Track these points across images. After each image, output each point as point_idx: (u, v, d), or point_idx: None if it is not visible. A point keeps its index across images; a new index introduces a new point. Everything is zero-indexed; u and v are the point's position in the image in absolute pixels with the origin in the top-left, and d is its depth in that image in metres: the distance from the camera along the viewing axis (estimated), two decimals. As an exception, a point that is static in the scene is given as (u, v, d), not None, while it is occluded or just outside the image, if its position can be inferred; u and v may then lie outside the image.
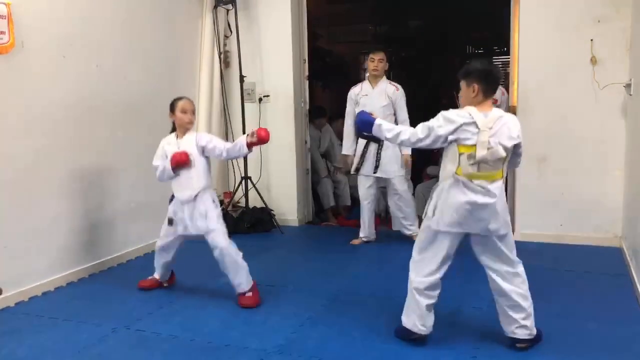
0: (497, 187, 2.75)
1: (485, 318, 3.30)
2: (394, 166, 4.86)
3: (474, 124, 2.69)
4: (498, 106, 5.24)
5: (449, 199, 2.77)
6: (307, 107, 6.05)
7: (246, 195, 5.63)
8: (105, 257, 4.46)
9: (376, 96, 4.84)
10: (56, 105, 4.00)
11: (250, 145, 3.53)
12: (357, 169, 4.97)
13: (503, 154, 2.70)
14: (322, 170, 6.46)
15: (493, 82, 2.79)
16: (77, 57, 4.15)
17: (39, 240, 3.89)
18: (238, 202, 5.81)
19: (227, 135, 5.90)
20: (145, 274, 4.08)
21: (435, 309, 3.01)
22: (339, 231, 5.89)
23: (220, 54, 5.73)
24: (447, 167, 2.79)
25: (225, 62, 5.84)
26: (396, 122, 4.60)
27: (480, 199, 2.72)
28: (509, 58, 5.36)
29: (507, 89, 5.58)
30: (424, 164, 6.62)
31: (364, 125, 2.99)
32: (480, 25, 8.92)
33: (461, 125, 2.70)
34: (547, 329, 3.12)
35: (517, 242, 5.01)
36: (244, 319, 3.42)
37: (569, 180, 4.88)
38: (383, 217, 6.17)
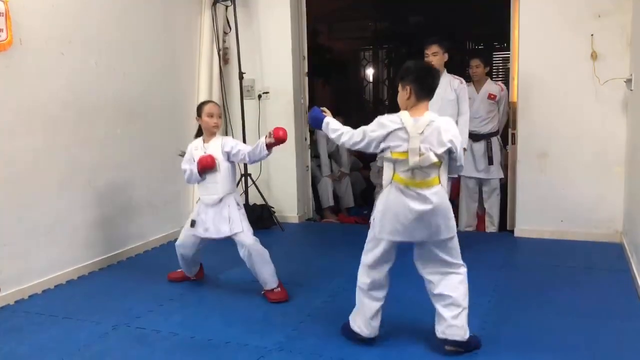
0: (434, 193, 2.68)
1: (485, 314, 3.30)
2: None
3: (404, 129, 2.64)
4: (497, 102, 5.28)
5: (389, 206, 2.74)
6: (307, 103, 6.04)
7: (246, 192, 5.62)
8: (105, 255, 4.46)
9: (442, 91, 4.26)
10: (54, 103, 3.99)
11: (269, 146, 3.55)
12: None
13: (434, 159, 2.62)
14: (325, 170, 6.45)
15: (427, 84, 2.70)
16: (75, 54, 4.14)
17: (38, 238, 3.89)
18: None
19: (226, 132, 5.88)
20: (145, 272, 4.07)
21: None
22: (339, 228, 5.89)
23: (219, 50, 5.71)
24: (386, 173, 2.78)
25: (224, 58, 5.82)
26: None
27: (418, 206, 2.67)
28: (509, 54, 5.34)
29: (506, 85, 5.57)
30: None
31: (314, 122, 3.02)
32: (480, 20, 8.89)
33: (392, 132, 2.66)
34: (548, 325, 3.12)
35: (517, 238, 5.07)
36: (244, 317, 3.41)
37: (570, 176, 4.87)
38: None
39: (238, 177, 4.49)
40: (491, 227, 5.38)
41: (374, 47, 11.10)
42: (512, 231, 5.15)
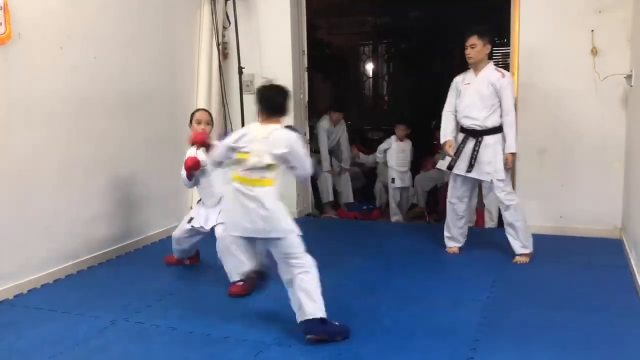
0: (266, 192, 2.96)
1: (485, 309, 3.31)
2: (492, 166, 4.18)
3: (250, 134, 3.02)
4: None
5: (228, 203, 3.10)
6: (307, 98, 6.03)
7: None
8: (104, 250, 4.45)
9: (478, 85, 4.21)
10: (54, 97, 3.98)
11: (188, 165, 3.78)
12: (451, 167, 4.36)
13: (267, 161, 2.95)
14: (324, 165, 6.44)
15: (267, 105, 3.06)
16: (74, 48, 4.13)
17: (37, 232, 3.89)
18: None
19: (226, 126, 5.87)
20: (144, 267, 4.07)
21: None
22: (338, 223, 5.89)
23: (218, 45, 5.69)
24: (228, 173, 3.11)
25: (223, 53, 5.80)
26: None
27: (248, 202, 2.95)
28: (509, 49, 5.32)
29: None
30: (422, 155, 6.61)
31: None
32: (480, 16, 8.87)
33: (242, 136, 3.03)
34: (546, 320, 3.12)
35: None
36: (243, 311, 3.41)
37: (569, 171, 4.87)
38: (383, 210, 6.18)
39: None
40: (490, 222, 5.38)
41: (373, 42, 11.07)
42: (511, 227, 5.14)
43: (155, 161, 4.97)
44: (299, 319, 2.96)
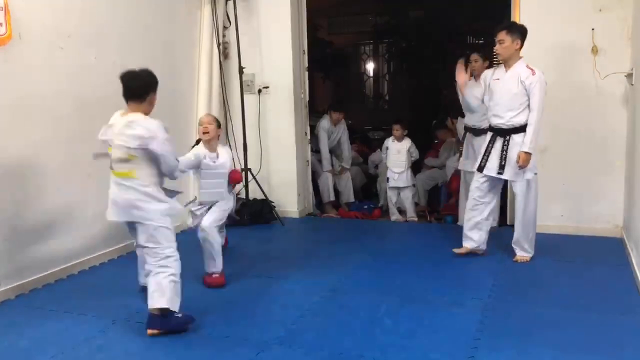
0: (131, 184, 3.08)
1: (485, 308, 3.31)
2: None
3: (111, 126, 3.10)
4: None
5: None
6: (307, 98, 6.03)
7: (246, 186, 5.62)
8: (105, 250, 4.46)
9: (507, 82, 4.08)
10: (54, 97, 3.99)
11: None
12: (481, 168, 4.24)
13: (118, 155, 3.07)
14: (325, 165, 6.44)
15: (124, 89, 3.11)
16: (74, 49, 4.13)
17: (39, 232, 3.89)
18: (238, 193, 5.79)
19: (226, 126, 5.88)
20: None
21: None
22: (339, 223, 5.89)
23: (219, 45, 5.70)
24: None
25: (224, 53, 5.81)
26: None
27: (116, 193, 3.15)
28: (509, 48, 5.31)
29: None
30: (423, 154, 6.60)
31: None
32: (481, 15, 8.87)
33: (108, 127, 3.10)
34: (547, 319, 3.12)
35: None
36: (244, 311, 3.42)
37: (570, 171, 4.87)
38: (385, 210, 6.17)
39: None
40: (492, 222, 5.36)
41: (374, 42, 11.07)
42: (512, 226, 5.13)
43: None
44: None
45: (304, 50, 5.92)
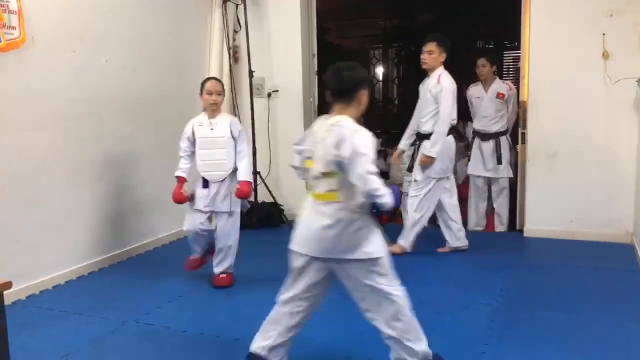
0: (335, 210, 2.34)
1: (494, 313, 3.29)
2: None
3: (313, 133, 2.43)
4: (506, 101, 5.25)
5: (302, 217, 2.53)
6: (316, 102, 6.04)
7: (255, 190, 5.63)
8: (115, 251, 4.49)
9: (424, 90, 4.46)
10: (65, 99, 4.02)
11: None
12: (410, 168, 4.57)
13: (319, 169, 2.33)
14: None
15: (330, 86, 2.46)
16: (86, 52, 4.17)
17: (49, 233, 3.92)
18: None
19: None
20: (155, 269, 4.09)
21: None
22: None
23: (229, 49, 5.73)
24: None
25: (234, 57, 5.84)
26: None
27: (315, 220, 2.38)
28: (519, 52, 5.32)
29: (517, 84, 5.54)
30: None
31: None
32: (490, 19, 8.85)
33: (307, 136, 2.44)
34: (556, 325, 3.10)
35: (526, 238, 5.05)
36: (252, 313, 3.40)
37: (580, 176, 4.84)
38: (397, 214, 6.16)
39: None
40: (500, 226, 5.36)
41: (383, 46, 11.07)
42: (521, 231, 5.13)
43: (165, 163, 4.97)
44: None
45: (313, 54, 5.94)
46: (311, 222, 2.41)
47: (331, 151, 2.26)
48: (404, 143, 4.63)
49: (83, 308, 3.54)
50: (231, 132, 3.79)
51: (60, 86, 3.97)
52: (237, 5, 5.68)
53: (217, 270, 3.88)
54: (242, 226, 5.40)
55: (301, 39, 5.68)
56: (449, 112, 4.22)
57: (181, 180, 3.80)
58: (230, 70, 5.77)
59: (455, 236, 4.54)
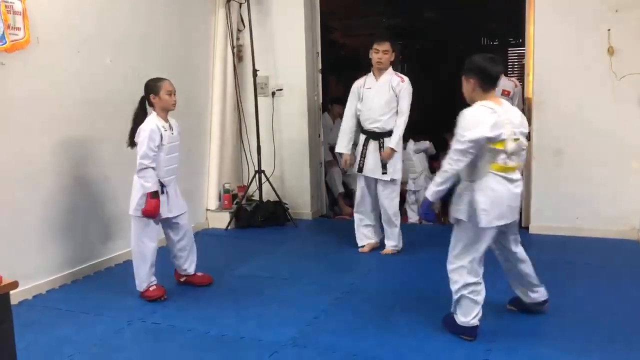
0: (517, 177, 2.92)
1: (500, 310, 3.29)
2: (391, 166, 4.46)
3: (509, 119, 2.84)
4: (511, 98, 5.23)
5: (497, 193, 2.83)
6: (320, 100, 6.04)
7: (260, 188, 5.64)
8: (121, 251, 4.49)
9: (379, 89, 4.45)
10: (71, 101, 4.04)
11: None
12: (360, 168, 4.55)
13: (514, 147, 2.84)
14: (327, 157, 6.42)
15: (490, 78, 2.91)
16: (91, 52, 4.18)
17: (55, 234, 3.94)
18: (252, 195, 5.82)
19: (240, 129, 5.91)
20: (161, 268, 4.08)
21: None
22: (352, 224, 5.88)
23: (233, 48, 5.73)
24: (478, 166, 2.83)
25: (238, 56, 5.84)
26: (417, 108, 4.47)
27: (509, 191, 2.86)
28: (524, 49, 5.29)
29: (521, 81, 5.52)
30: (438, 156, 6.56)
31: (423, 212, 3.03)
32: (495, 16, 8.82)
33: (495, 122, 2.76)
34: (565, 322, 3.10)
35: (533, 235, 5.02)
36: (258, 312, 3.43)
37: (586, 172, 4.82)
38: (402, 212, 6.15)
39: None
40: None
41: (392, 45, 11.02)
42: (527, 228, 5.10)
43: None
44: (540, 298, 3.16)
45: (317, 53, 5.94)
46: (510, 192, 2.85)
47: (523, 130, 2.88)
48: (348, 147, 4.61)
49: (89, 307, 3.56)
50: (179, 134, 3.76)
51: (65, 86, 3.99)
52: (240, 4, 5.68)
53: (191, 269, 3.89)
54: (247, 225, 5.46)
55: (305, 38, 5.68)
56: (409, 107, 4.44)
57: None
58: (234, 70, 5.78)
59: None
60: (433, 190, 2.88)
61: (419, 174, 5.80)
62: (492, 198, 2.80)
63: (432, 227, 5.70)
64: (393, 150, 4.37)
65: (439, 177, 2.86)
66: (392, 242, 4.57)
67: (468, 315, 2.94)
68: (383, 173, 4.43)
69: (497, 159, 2.79)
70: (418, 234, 5.17)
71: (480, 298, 2.94)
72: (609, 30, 4.60)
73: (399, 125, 4.38)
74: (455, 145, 2.77)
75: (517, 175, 2.88)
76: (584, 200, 4.85)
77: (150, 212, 3.51)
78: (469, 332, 2.95)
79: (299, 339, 3.04)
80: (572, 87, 4.77)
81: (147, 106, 3.67)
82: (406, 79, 4.47)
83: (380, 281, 3.97)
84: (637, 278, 3.84)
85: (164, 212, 3.65)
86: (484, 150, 2.77)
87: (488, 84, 2.88)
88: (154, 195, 3.52)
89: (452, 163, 2.79)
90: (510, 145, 2.78)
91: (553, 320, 3.17)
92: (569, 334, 3.00)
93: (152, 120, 3.58)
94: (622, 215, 4.75)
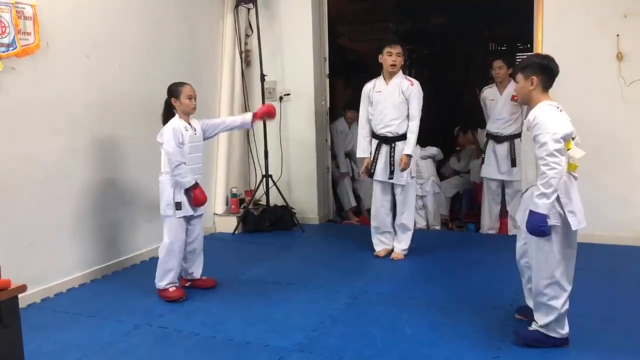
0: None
1: (507, 317, 3.27)
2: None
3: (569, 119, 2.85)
4: (516, 102, 5.21)
5: (576, 193, 2.86)
6: (328, 105, 6.04)
7: (267, 193, 5.64)
8: (127, 255, 4.52)
9: (390, 93, 4.44)
10: (80, 105, 4.06)
11: (255, 117, 3.98)
12: (371, 174, 4.56)
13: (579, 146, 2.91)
14: (342, 168, 6.42)
15: (552, 78, 2.92)
16: (100, 57, 4.21)
17: (63, 237, 3.96)
18: (259, 200, 5.83)
19: (248, 133, 5.92)
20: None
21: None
22: (359, 230, 5.87)
23: (241, 53, 5.75)
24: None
25: (246, 61, 5.86)
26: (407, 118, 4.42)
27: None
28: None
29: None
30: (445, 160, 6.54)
31: (538, 228, 2.74)
32: (503, 21, 8.80)
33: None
34: (571, 328, 3.07)
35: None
36: (265, 317, 3.43)
37: (594, 178, 4.77)
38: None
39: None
40: (513, 229, 5.30)
41: (402, 48, 11.01)
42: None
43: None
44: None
45: (325, 58, 5.95)
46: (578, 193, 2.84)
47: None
48: (368, 151, 4.57)
49: (96, 311, 3.57)
50: (202, 132, 3.87)
51: (74, 91, 4.01)
52: (248, 9, 5.71)
53: (197, 273, 3.94)
54: (255, 229, 5.47)
55: (312, 43, 5.69)
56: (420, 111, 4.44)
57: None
58: (242, 74, 5.80)
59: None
60: (544, 202, 2.67)
61: (426, 179, 5.79)
62: (576, 199, 2.82)
63: (439, 232, 5.68)
64: (409, 157, 4.35)
65: (544, 187, 2.66)
66: (403, 245, 4.57)
67: (565, 326, 2.88)
68: (390, 178, 4.44)
69: (571, 159, 2.77)
70: (425, 240, 5.15)
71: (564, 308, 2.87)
72: (617, 35, 4.58)
73: (413, 130, 4.37)
74: (549, 146, 2.65)
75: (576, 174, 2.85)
76: (591, 206, 4.77)
77: (200, 200, 3.72)
78: (566, 341, 2.90)
79: (306, 344, 3.04)
80: (580, 93, 4.74)
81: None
82: (416, 82, 4.47)
83: (387, 287, 3.96)
84: (646, 285, 3.81)
85: (189, 210, 3.75)
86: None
87: (550, 82, 2.87)
88: (195, 186, 3.69)
89: (552, 166, 2.65)
90: (573, 145, 2.77)
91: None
92: (578, 340, 2.97)
93: (174, 121, 3.72)
94: (631, 222, 4.72)
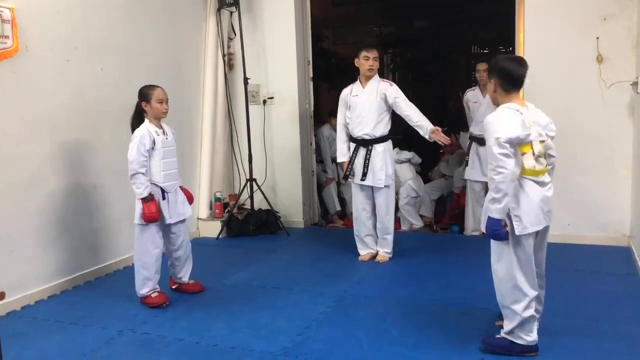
0: (549, 180, 2.87)
1: (492, 318, 3.28)
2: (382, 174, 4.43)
3: (534, 121, 2.79)
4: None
5: (531, 199, 2.73)
6: (312, 108, 6.04)
7: (251, 197, 5.62)
8: (111, 261, 4.47)
9: (367, 97, 4.46)
10: (61, 109, 4.01)
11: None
12: (346, 176, 4.60)
13: (540, 149, 2.78)
14: (328, 172, 6.43)
15: (515, 80, 2.83)
16: (81, 61, 4.16)
17: (45, 244, 3.90)
18: (243, 204, 5.81)
19: (232, 137, 5.89)
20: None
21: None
22: (344, 233, 5.87)
23: (224, 56, 5.73)
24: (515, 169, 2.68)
25: (229, 64, 5.84)
26: (402, 120, 4.44)
27: (540, 194, 2.76)
28: (514, 57, 5.31)
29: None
30: (428, 164, 6.58)
31: (492, 232, 2.72)
32: (486, 25, 8.88)
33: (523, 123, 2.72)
34: (556, 328, 3.09)
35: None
36: (249, 322, 3.40)
37: (577, 180, 4.84)
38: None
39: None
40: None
41: (379, 52, 11.07)
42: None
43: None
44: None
45: (308, 61, 5.95)
46: (543, 195, 2.75)
47: (549, 132, 2.83)
48: (348, 155, 4.57)
49: (79, 318, 3.52)
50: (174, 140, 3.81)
51: (54, 95, 3.96)
52: (231, 12, 5.69)
53: (185, 278, 3.92)
54: (239, 234, 5.44)
55: (296, 46, 5.69)
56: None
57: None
58: (225, 78, 5.77)
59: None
60: (496, 207, 2.64)
61: (403, 183, 5.83)
62: (526, 204, 2.70)
63: (423, 234, 5.70)
64: (436, 128, 4.28)
65: (494, 192, 2.64)
66: (387, 248, 4.58)
67: (531, 333, 2.84)
68: (362, 180, 4.47)
69: (526, 163, 2.69)
70: (409, 242, 5.17)
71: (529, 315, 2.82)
72: (597, 38, 4.64)
73: (418, 112, 4.36)
74: (493, 150, 2.62)
75: (547, 178, 2.80)
76: (575, 207, 4.87)
77: (149, 216, 3.52)
78: (534, 349, 2.84)
79: (291, 348, 3.02)
80: (562, 95, 4.80)
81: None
82: (393, 83, 4.56)
83: (372, 289, 3.95)
84: (628, 285, 3.85)
85: (167, 218, 3.67)
86: (515, 154, 2.67)
87: (510, 85, 2.79)
88: (147, 199, 3.52)
89: (498, 170, 2.61)
90: (537, 147, 2.70)
91: (546, 328, 3.16)
92: (562, 341, 2.99)
93: (144, 126, 3.62)
94: (614, 222, 4.78)
